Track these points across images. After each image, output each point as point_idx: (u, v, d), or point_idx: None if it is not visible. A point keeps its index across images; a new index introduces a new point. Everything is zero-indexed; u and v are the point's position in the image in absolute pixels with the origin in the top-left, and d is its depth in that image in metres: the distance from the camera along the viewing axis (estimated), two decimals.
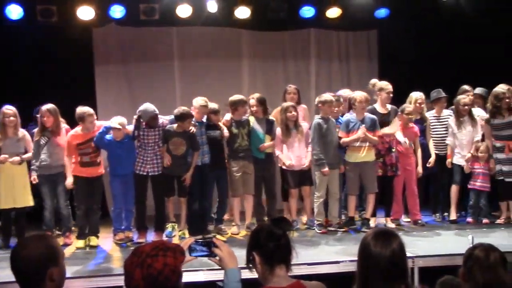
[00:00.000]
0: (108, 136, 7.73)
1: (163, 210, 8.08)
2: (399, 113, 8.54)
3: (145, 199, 8.04)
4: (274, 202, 8.54)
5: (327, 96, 8.28)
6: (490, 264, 3.04)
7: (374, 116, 8.27)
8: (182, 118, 7.79)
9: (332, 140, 8.13)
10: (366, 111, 8.23)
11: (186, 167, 7.98)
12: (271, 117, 8.51)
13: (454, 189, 8.72)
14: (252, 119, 8.39)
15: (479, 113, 8.88)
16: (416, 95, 8.78)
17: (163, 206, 8.09)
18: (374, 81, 8.86)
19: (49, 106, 7.79)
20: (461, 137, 8.66)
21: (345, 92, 8.95)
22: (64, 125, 8.06)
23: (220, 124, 8.23)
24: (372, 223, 8.38)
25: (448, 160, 8.77)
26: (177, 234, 8.08)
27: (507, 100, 8.35)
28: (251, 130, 8.33)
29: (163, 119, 7.98)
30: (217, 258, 2.92)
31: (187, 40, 10.67)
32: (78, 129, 7.78)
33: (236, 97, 8.33)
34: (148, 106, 7.79)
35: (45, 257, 2.68)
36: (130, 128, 7.82)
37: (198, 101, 8.09)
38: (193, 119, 8.01)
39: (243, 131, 8.26)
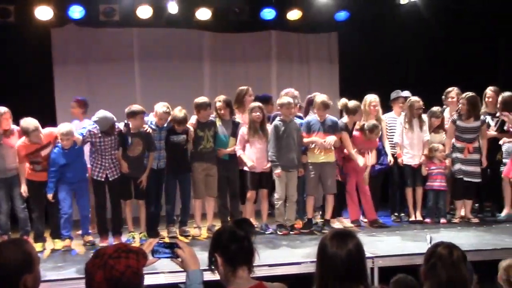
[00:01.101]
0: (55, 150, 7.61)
1: (119, 213, 8.02)
2: (363, 130, 8.57)
3: (105, 204, 7.98)
4: (237, 203, 8.51)
5: (286, 98, 8.28)
6: (454, 261, 3.09)
7: (335, 119, 8.32)
8: (133, 114, 7.72)
9: (289, 143, 8.10)
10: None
11: (143, 169, 7.93)
12: (237, 119, 8.50)
13: (408, 191, 8.83)
14: (218, 121, 8.35)
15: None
16: (370, 98, 8.83)
17: (120, 209, 8.02)
18: (344, 101, 8.75)
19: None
20: (412, 137, 8.79)
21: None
22: (14, 126, 7.80)
23: (189, 127, 8.16)
24: (338, 224, 8.48)
25: (399, 160, 8.86)
26: (137, 238, 8.00)
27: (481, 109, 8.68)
28: (216, 134, 8.29)
29: (118, 124, 7.88)
30: (180, 259, 2.91)
31: (147, 41, 10.59)
32: (25, 139, 7.55)
33: (200, 99, 8.25)
34: (106, 114, 7.67)
35: (20, 264, 2.63)
36: (78, 135, 7.69)
37: (160, 107, 7.98)
38: (151, 121, 7.98)
39: (208, 133, 8.23)
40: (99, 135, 7.68)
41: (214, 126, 8.30)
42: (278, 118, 8.21)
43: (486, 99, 8.95)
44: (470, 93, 8.59)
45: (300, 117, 8.60)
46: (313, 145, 8.18)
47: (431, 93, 9.25)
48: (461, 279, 3.08)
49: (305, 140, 8.22)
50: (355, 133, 8.61)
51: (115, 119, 7.74)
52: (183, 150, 8.25)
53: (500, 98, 8.78)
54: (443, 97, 9.24)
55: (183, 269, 2.91)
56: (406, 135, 8.81)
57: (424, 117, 8.92)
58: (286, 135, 8.09)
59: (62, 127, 7.60)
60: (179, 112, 8.01)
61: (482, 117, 8.68)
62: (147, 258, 2.65)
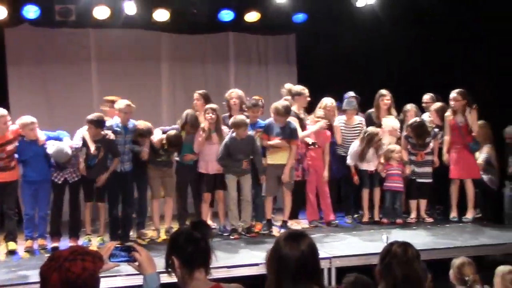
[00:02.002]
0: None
1: (78, 216, 7.94)
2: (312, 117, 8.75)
3: (61, 206, 7.90)
4: (199, 205, 8.44)
5: (241, 119, 8.14)
6: (408, 258, 3.15)
7: (295, 125, 8.36)
8: (87, 122, 7.69)
9: (241, 156, 8.03)
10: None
11: (105, 172, 7.87)
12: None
13: (364, 192, 8.92)
14: (183, 134, 8.23)
15: (393, 123, 9.13)
16: (327, 101, 8.97)
17: (79, 212, 7.94)
18: (288, 86, 9.02)
19: None
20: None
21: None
22: None
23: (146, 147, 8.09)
24: (295, 225, 8.56)
25: (355, 178, 8.89)
26: (95, 241, 7.91)
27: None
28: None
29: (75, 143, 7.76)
30: (137, 263, 2.90)
31: (104, 42, 10.48)
32: None
33: (173, 137, 8.02)
34: (60, 149, 7.45)
35: None
36: (42, 134, 7.60)
37: (122, 103, 7.96)
38: (116, 123, 7.91)
39: (170, 154, 8.23)
40: None
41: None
42: (229, 135, 8.08)
43: (423, 105, 9.24)
44: (415, 121, 8.79)
45: None
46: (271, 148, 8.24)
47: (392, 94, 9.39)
48: (415, 276, 3.14)
49: (269, 142, 8.25)
50: (308, 123, 8.76)
51: (70, 153, 7.54)
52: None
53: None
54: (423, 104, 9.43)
55: (140, 273, 2.91)
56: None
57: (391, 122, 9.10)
58: (238, 150, 8.01)
59: (25, 118, 7.52)
60: (143, 125, 8.04)
61: (432, 132, 8.90)
62: (103, 261, 2.63)
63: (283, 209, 8.57)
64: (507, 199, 8.73)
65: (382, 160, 8.85)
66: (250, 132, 8.15)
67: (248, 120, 8.16)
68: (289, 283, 2.82)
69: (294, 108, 8.68)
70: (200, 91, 8.69)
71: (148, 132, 8.02)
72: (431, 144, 8.90)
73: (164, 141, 8.05)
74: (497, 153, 9.02)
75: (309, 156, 8.75)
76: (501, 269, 4.89)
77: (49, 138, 7.65)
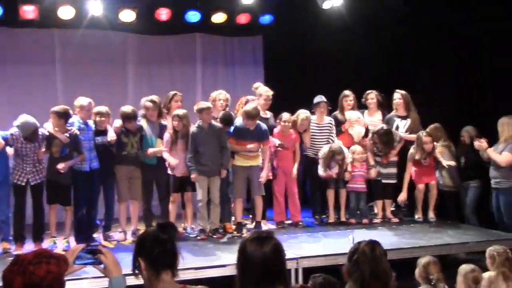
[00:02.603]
0: None
1: (42, 219, 7.78)
2: (278, 121, 8.78)
3: (24, 209, 7.71)
4: (166, 206, 8.39)
5: (204, 103, 8.28)
6: (375, 256, 3.20)
7: (265, 126, 8.38)
8: (66, 115, 7.58)
9: (209, 148, 8.06)
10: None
11: (69, 173, 7.73)
12: (164, 122, 8.41)
13: (329, 193, 8.97)
14: (144, 123, 8.25)
15: (356, 114, 9.23)
16: (302, 116, 8.86)
17: (42, 215, 7.78)
18: (257, 84, 9.09)
19: None
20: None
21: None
22: None
23: (108, 127, 8.06)
24: (263, 226, 8.55)
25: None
26: (60, 244, 7.77)
27: None
28: (143, 137, 8.21)
29: (41, 131, 7.64)
30: (102, 266, 2.88)
31: (69, 43, 10.30)
32: None
33: (127, 109, 8.08)
34: (27, 119, 7.41)
35: None
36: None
37: (82, 99, 7.90)
38: (78, 120, 7.83)
39: (133, 140, 8.12)
40: (21, 140, 7.45)
41: (140, 130, 8.21)
42: (196, 124, 8.16)
43: (395, 101, 9.26)
44: (382, 128, 8.88)
45: None
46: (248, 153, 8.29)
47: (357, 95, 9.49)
48: (383, 272, 3.20)
49: (239, 148, 8.26)
50: (275, 130, 8.76)
51: (37, 124, 7.49)
52: (108, 152, 8.11)
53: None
54: (363, 99, 9.49)
55: (105, 275, 2.89)
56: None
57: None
58: (206, 141, 8.04)
59: None
60: (101, 107, 8.03)
61: (397, 137, 9.00)
62: (68, 264, 2.61)
63: (255, 210, 8.57)
64: (467, 200, 9.00)
65: (349, 168, 8.88)
66: None
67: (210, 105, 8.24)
68: (255, 284, 2.83)
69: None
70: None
71: (106, 114, 8.03)
72: (397, 148, 9.01)
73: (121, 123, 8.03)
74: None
75: (278, 156, 8.76)
76: (464, 267, 4.98)
77: (4, 138, 7.47)
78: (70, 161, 7.68)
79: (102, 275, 2.91)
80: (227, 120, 8.30)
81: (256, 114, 8.15)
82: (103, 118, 8.02)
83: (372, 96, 9.39)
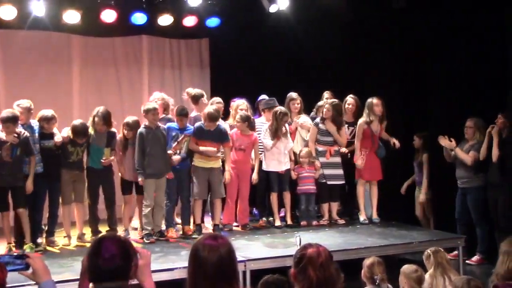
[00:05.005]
0: None
1: None
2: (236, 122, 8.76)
3: None
4: (113, 210, 8.35)
5: (151, 104, 8.26)
6: (322, 262, 3.23)
7: (224, 128, 8.42)
8: (14, 120, 7.37)
9: (157, 149, 8.05)
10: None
11: (21, 175, 7.53)
12: (113, 129, 8.28)
13: (273, 196, 8.96)
14: (92, 132, 8.10)
15: (304, 118, 9.34)
16: (238, 102, 9.06)
17: None
18: (189, 90, 9.12)
19: None
20: (278, 145, 8.87)
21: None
22: None
23: (55, 130, 7.92)
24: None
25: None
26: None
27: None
28: (90, 145, 8.11)
29: None
30: (30, 271, 2.85)
31: (11, 44, 10.09)
32: None
33: (78, 125, 7.94)
34: None
35: None
36: None
37: (25, 101, 7.75)
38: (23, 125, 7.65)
39: (79, 149, 8.03)
40: None
41: (87, 140, 8.07)
42: (143, 125, 8.11)
43: (347, 106, 9.36)
44: (335, 100, 9.00)
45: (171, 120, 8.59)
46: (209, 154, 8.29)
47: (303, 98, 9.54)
48: (330, 278, 3.23)
49: (201, 148, 8.25)
50: (232, 131, 8.73)
51: None
52: (54, 156, 7.96)
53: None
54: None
55: (34, 281, 2.86)
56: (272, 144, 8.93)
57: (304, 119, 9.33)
58: (153, 142, 8.03)
59: None
60: (46, 111, 7.85)
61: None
62: (6, 271, 2.59)
63: (215, 213, 8.58)
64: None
65: (293, 158, 8.97)
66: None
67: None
68: (207, 286, 2.84)
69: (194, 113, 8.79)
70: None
71: (52, 118, 7.85)
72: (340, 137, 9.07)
73: (70, 133, 7.89)
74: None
75: (232, 159, 8.72)
76: (407, 267, 5.08)
77: None
78: (29, 178, 7.53)
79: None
80: (183, 113, 8.29)
81: (217, 116, 8.24)
82: (50, 124, 7.84)
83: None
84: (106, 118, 8.09)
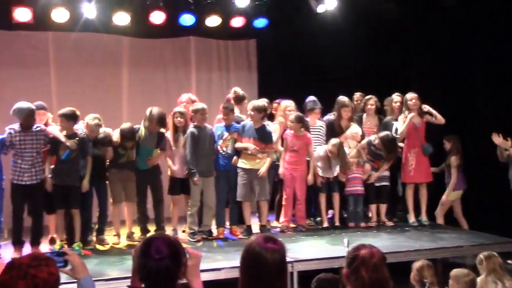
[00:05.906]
0: None
1: (41, 222, 7.60)
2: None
3: (22, 211, 7.48)
4: (161, 210, 8.37)
5: (199, 104, 8.29)
6: (375, 263, 3.18)
7: (270, 129, 8.37)
8: (74, 117, 7.53)
9: (205, 148, 8.09)
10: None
11: (78, 175, 7.62)
12: (162, 129, 8.31)
13: (321, 197, 8.86)
14: (142, 133, 8.15)
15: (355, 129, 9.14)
16: (286, 103, 8.97)
17: (41, 219, 7.63)
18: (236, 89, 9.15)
19: None
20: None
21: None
22: None
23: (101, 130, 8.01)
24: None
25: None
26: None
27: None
28: (139, 145, 8.14)
29: (41, 126, 7.56)
30: (68, 268, 2.90)
31: (63, 46, 10.32)
32: None
33: (126, 128, 8.01)
34: (21, 104, 7.32)
35: None
36: None
37: (92, 120, 7.81)
38: (81, 129, 7.79)
39: (129, 152, 8.10)
40: (19, 131, 7.29)
41: (138, 141, 8.11)
42: (192, 125, 8.15)
43: (394, 104, 9.26)
44: (387, 134, 8.82)
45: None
46: (249, 152, 8.19)
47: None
48: (383, 279, 3.18)
49: (238, 145, 8.25)
50: (287, 132, 8.67)
51: (33, 107, 7.36)
52: (102, 160, 8.07)
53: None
54: (362, 104, 9.48)
55: (73, 277, 2.91)
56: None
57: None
58: (201, 142, 8.08)
59: None
60: (93, 120, 7.86)
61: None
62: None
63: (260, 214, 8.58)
64: None
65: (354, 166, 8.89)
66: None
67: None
68: (263, 286, 2.85)
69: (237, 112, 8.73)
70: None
71: (109, 141, 7.95)
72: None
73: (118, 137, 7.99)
74: None
75: (287, 160, 8.66)
76: (457, 271, 4.98)
77: (2, 140, 7.38)
78: (87, 179, 7.64)
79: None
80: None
81: (263, 108, 8.23)
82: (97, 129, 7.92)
83: (372, 102, 9.33)
84: (161, 119, 8.11)
